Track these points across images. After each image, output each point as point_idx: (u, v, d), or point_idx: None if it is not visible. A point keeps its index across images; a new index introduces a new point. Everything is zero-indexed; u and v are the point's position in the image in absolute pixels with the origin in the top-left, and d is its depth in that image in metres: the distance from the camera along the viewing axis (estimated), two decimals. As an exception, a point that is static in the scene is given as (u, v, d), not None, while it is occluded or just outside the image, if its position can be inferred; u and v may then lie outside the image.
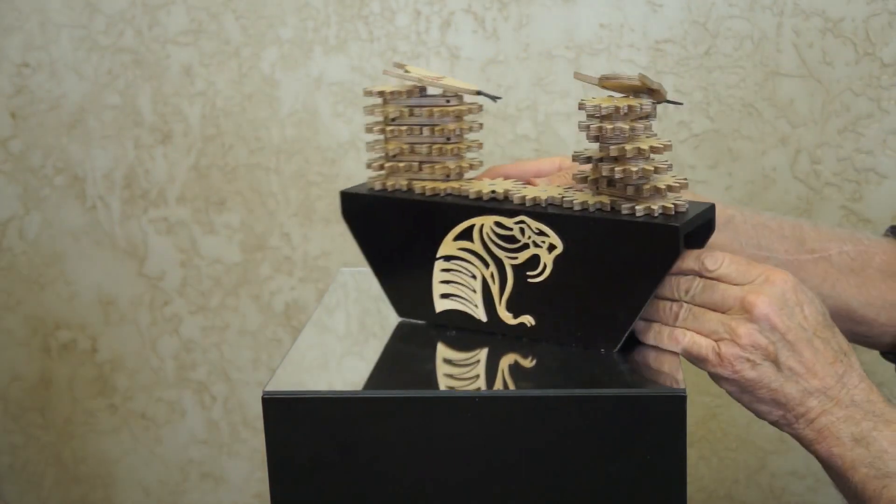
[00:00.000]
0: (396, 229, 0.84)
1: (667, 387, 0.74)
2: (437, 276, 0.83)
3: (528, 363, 0.80)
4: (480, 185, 0.83)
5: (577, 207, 0.79)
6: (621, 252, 0.77)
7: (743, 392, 0.78)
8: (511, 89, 1.41)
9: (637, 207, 0.77)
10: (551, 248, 0.79)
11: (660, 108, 1.38)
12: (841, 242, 0.94)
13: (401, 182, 0.84)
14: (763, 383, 0.76)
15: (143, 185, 1.51)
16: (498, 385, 0.77)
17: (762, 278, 0.77)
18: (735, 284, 0.78)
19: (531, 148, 1.42)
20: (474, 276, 0.82)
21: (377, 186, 0.85)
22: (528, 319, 0.82)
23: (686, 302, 0.79)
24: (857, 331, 0.95)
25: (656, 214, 0.77)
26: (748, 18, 1.35)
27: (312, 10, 1.42)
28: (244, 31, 1.44)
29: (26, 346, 1.59)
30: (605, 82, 0.77)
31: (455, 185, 0.83)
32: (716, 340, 0.77)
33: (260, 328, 1.54)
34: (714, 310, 0.78)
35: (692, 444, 1.49)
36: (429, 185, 0.83)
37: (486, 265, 0.82)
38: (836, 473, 0.77)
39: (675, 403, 0.73)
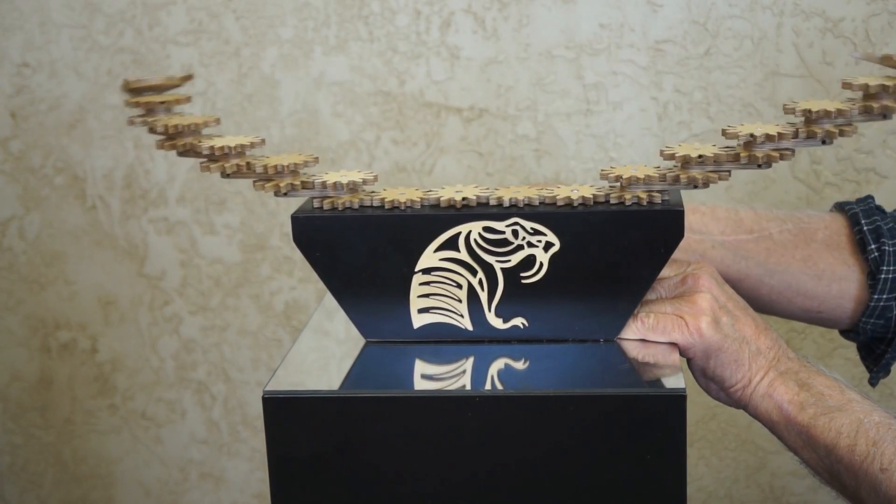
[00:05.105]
0: (365, 248, 0.80)
1: (667, 387, 0.74)
2: (416, 290, 0.81)
3: (526, 364, 0.80)
4: (445, 192, 0.82)
5: (567, 203, 0.79)
6: (625, 241, 0.78)
7: (709, 359, 0.83)
8: (511, 89, 1.41)
9: (626, 197, 0.78)
10: (548, 246, 0.79)
11: (660, 107, 1.39)
12: (781, 222, 0.97)
13: (356, 199, 0.81)
14: (725, 345, 0.82)
15: (143, 185, 1.51)
16: (498, 385, 0.77)
17: (691, 267, 0.85)
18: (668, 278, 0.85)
19: (531, 148, 1.42)
20: (459, 286, 0.81)
21: (326, 205, 0.81)
22: (520, 322, 0.82)
23: None
24: (809, 307, 0.96)
25: (658, 202, 0.78)
26: (748, 18, 1.35)
27: (312, 10, 1.42)
28: (244, 31, 1.44)
29: (26, 346, 1.59)
30: (888, 61, 0.79)
31: (423, 194, 0.81)
32: (677, 316, 0.82)
33: (260, 328, 1.54)
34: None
35: (692, 444, 1.49)
36: (395, 198, 0.81)
37: (474, 272, 0.81)
38: (786, 420, 0.82)
39: (675, 403, 0.73)
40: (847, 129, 0.76)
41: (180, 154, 0.82)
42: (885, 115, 0.76)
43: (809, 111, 0.76)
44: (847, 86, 0.77)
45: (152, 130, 0.82)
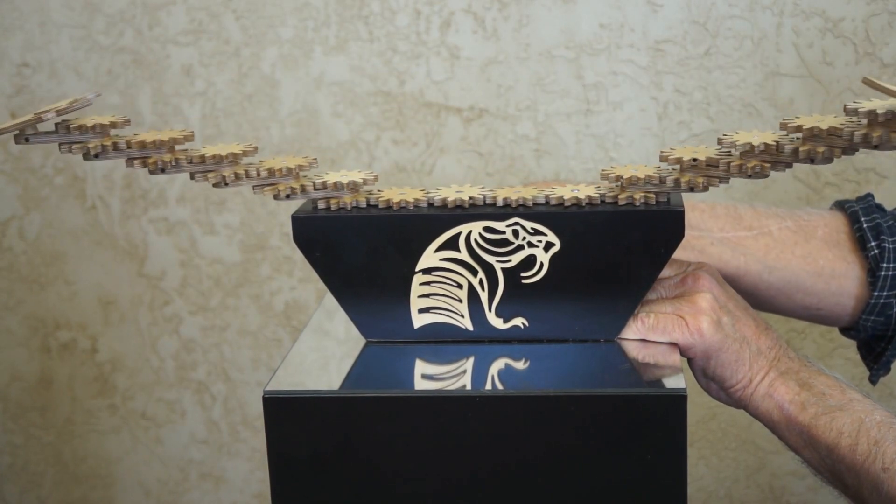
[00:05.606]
0: (366, 248, 0.80)
1: (667, 387, 0.74)
2: (416, 290, 0.81)
3: (527, 364, 0.80)
4: (445, 192, 0.82)
5: (567, 203, 0.79)
6: (625, 241, 0.78)
7: (709, 359, 0.82)
8: (511, 89, 1.41)
9: (621, 197, 0.78)
10: (548, 246, 0.79)
11: (660, 107, 1.39)
12: (780, 219, 0.97)
13: (358, 198, 0.81)
14: (726, 345, 0.82)
15: (143, 185, 1.51)
16: (498, 385, 0.77)
17: (692, 267, 0.85)
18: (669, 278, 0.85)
19: (531, 148, 1.42)
20: (460, 286, 0.81)
21: (326, 205, 0.81)
22: (521, 322, 0.82)
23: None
24: (808, 304, 0.96)
25: (658, 202, 0.78)
26: (748, 18, 1.35)
27: (312, 10, 1.42)
28: (244, 31, 1.44)
29: (26, 346, 1.59)
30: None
31: (423, 194, 0.81)
32: (678, 316, 0.82)
33: (260, 328, 1.54)
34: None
35: (692, 444, 1.49)
36: (395, 198, 0.80)
37: (475, 272, 0.81)
38: (787, 420, 0.82)
39: (676, 403, 0.73)
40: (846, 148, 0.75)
41: (152, 172, 0.83)
42: (877, 146, 0.73)
43: (802, 127, 0.75)
44: (852, 112, 0.74)
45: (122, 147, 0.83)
